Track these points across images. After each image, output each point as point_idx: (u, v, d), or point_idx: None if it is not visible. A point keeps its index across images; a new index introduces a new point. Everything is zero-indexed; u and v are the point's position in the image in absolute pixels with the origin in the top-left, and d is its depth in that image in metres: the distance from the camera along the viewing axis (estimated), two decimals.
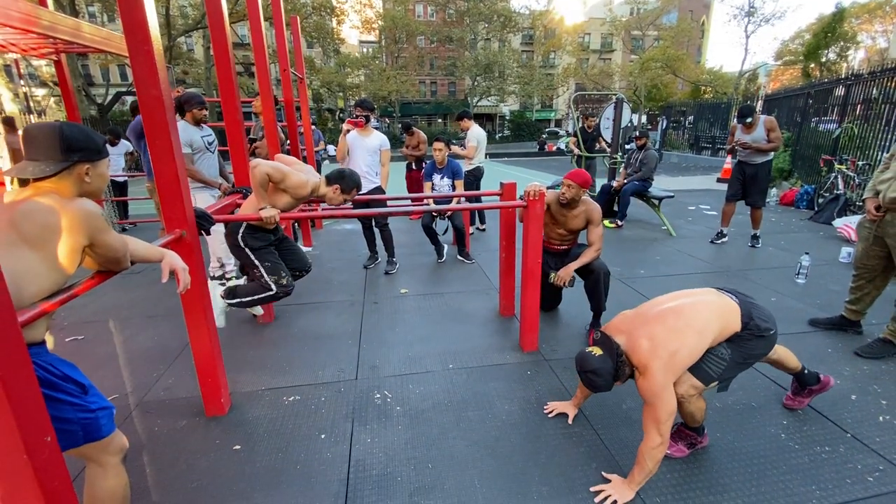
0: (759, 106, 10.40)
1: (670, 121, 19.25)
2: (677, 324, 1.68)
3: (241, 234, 2.48)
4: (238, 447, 2.01)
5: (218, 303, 2.65)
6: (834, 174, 6.47)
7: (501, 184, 2.99)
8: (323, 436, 2.08)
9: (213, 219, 2.13)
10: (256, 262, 2.52)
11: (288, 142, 5.19)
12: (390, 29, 31.36)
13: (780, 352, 2.03)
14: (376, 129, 4.24)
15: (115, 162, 6.36)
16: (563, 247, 3.01)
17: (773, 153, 4.71)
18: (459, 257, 4.62)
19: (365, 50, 37.82)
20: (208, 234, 2.16)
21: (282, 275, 2.58)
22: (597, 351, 1.70)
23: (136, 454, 1.96)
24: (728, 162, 9.85)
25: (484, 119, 39.45)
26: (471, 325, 3.16)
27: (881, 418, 2.13)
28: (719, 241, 5.09)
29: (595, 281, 2.78)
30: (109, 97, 19.90)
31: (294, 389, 2.44)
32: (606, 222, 5.95)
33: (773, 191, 7.64)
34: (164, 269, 1.50)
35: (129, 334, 3.11)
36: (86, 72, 29.33)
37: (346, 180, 2.56)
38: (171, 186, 1.88)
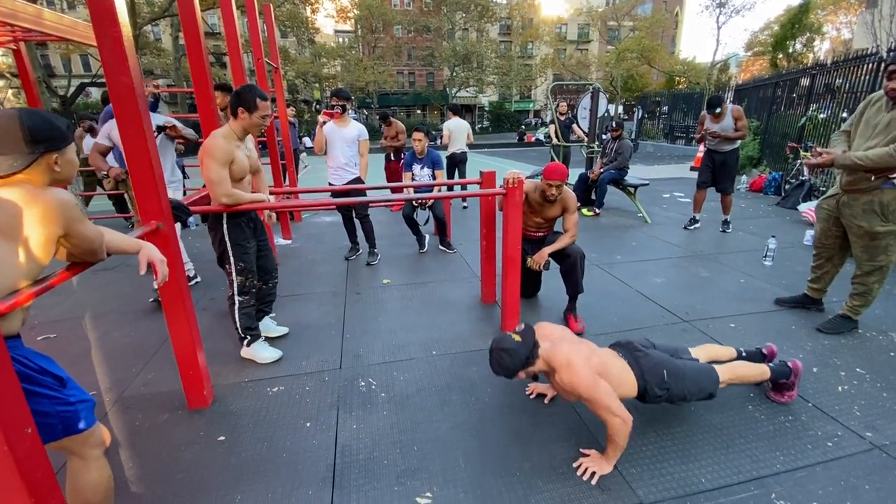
0: (729, 96, 10.67)
1: (646, 111, 19.60)
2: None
3: (225, 223, 2.42)
4: (223, 438, 2.00)
5: (249, 352, 2.61)
6: (799, 161, 6.73)
7: (481, 172, 3.02)
8: (308, 424, 2.09)
9: (189, 209, 2.10)
10: (231, 258, 2.44)
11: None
12: (366, 18, 30.84)
13: (731, 374, 2.02)
14: (354, 119, 4.21)
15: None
16: (540, 234, 3.07)
17: (739, 141, 4.88)
18: (441, 247, 4.65)
19: (341, 40, 37.13)
20: (185, 225, 2.13)
21: (249, 277, 2.51)
22: (516, 337, 1.80)
23: (119, 449, 1.94)
24: (700, 151, 10.13)
25: (463, 110, 39.31)
26: (453, 313, 3.20)
27: (840, 388, 2.27)
28: (692, 227, 5.25)
29: (571, 265, 2.85)
30: (73, 89, 19.08)
31: (278, 380, 2.44)
32: (584, 210, 6.07)
33: (743, 178, 7.90)
34: (142, 260, 1.48)
35: (104, 331, 3.05)
36: (45, 62, 27.97)
37: (242, 97, 2.28)
38: (145, 176, 1.84)
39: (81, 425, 1.29)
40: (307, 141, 21.94)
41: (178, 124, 3.40)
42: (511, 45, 37.13)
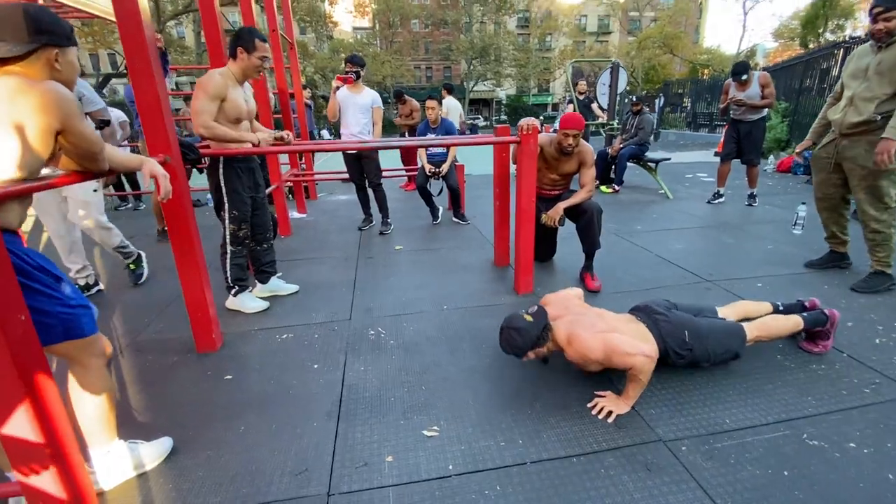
0: None
1: (668, 101, 19.08)
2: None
3: (220, 167, 2.38)
4: (230, 377, 1.99)
5: (235, 302, 2.59)
6: None
7: (495, 128, 2.95)
8: (316, 365, 2.06)
9: (198, 150, 2.09)
10: (226, 204, 2.42)
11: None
12: (384, 12, 30.93)
13: (761, 330, 1.90)
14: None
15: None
16: (556, 191, 2.97)
17: (766, 110, 4.66)
18: (455, 219, 4.58)
19: (359, 36, 37.30)
20: (194, 166, 2.12)
21: (242, 227, 2.49)
22: (528, 317, 1.74)
23: (126, 384, 1.95)
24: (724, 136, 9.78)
25: (480, 104, 39.15)
26: (465, 274, 3.13)
27: (877, 341, 2.12)
28: (716, 202, 5.05)
29: (588, 220, 2.74)
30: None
31: (287, 329, 2.42)
32: (603, 188, 5.91)
33: (770, 157, 7.59)
34: (145, 173, 1.46)
35: (117, 290, 3.08)
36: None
37: (241, 37, 2.28)
38: (153, 111, 1.83)
39: (83, 331, 1.27)
40: (325, 133, 22.13)
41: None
42: (529, 38, 36.74)
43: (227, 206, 2.43)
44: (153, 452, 1.50)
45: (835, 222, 2.90)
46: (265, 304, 2.63)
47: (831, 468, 1.41)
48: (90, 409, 1.33)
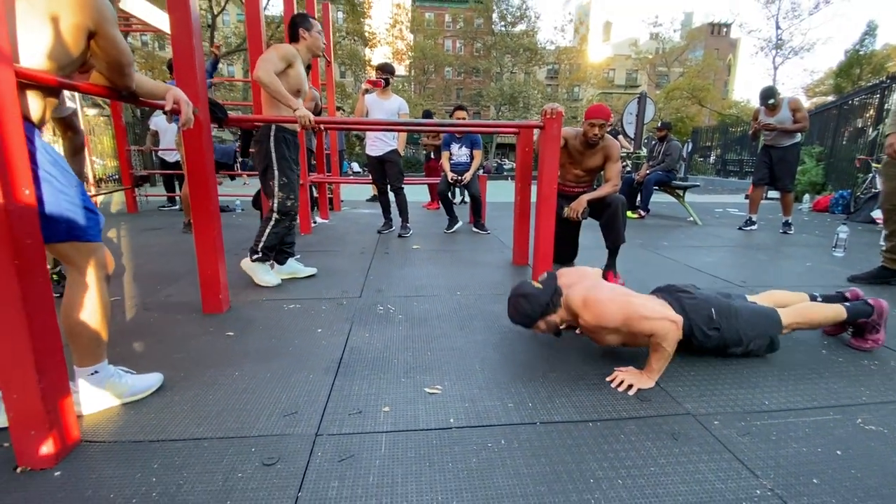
0: None
1: (697, 147, 19.04)
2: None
3: (272, 136, 2.44)
4: (231, 334, 1.92)
5: (253, 267, 2.58)
6: (871, 174, 6.19)
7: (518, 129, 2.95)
8: (320, 330, 1.98)
9: (225, 110, 2.14)
10: (276, 171, 2.46)
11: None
12: (419, 59, 32.66)
13: (798, 317, 1.72)
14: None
15: (172, 136, 5.66)
16: (579, 188, 2.90)
17: (800, 135, 4.54)
18: (475, 229, 4.53)
19: (394, 83, 39.34)
20: (220, 126, 2.17)
21: (290, 196, 2.53)
22: (537, 284, 1.66)
23: (127, 334, 1.91)
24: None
25: (507, 148, 40.02)
26: (482, 269, 3.04)
27: None
28: (748, 228, 4.85)
29: (612, 214, 2.64)
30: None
31: (295, 300, 2.36)
32: (629, 213, 5.79)
33: (806, 197, 7.35)
34: (168, 99, 1.48)
35: (139, 263, 3.12)
36: None
37: (298, 20, 2.47)
38: (187, 61, 1.90)
39: (86, 234, 1.25)
40: (355, 166, 22.86)
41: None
42: (557, 89, 37.90)
43: (276, 173, 2.47)
44: (141, 383, 1.43)
45: None
46: (277, 281, 2.60)
47: (894, 450, 1.21)
48: (82, 320, 1.28)
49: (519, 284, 1.70)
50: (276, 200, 2.50)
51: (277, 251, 2.73)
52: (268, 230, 2.51)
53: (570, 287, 1.68)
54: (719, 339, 1.65)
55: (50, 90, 1.21)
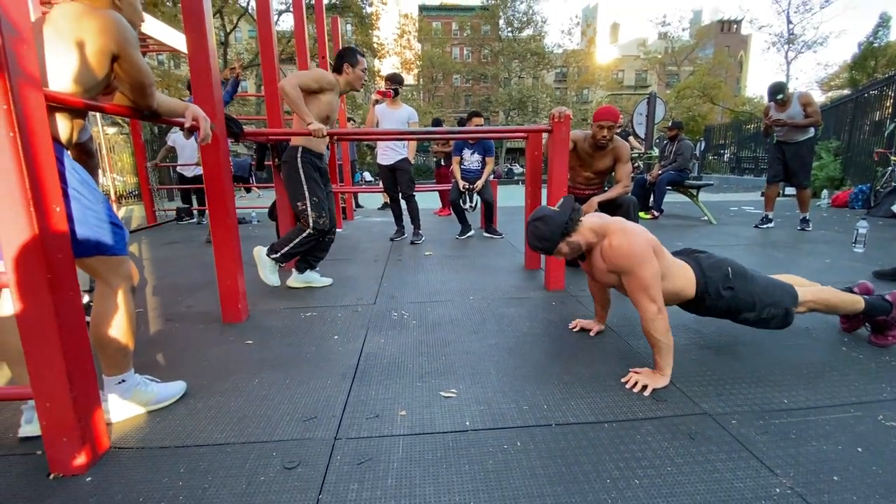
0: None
1: (710, 146, 18.78)
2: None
3: (299, 158, 2.51)
4: (250, 342, 1.97)
5: (265, 262, 2.61)
6: (891, 167, 6.04)
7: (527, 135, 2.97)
8: (336, 337, 2.01)
9: (241, 125, 2.21)
10: (306, 192, 2.52)
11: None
12: (427, 68, 32.95)
13: (815, 297, 1.71)
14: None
15: (191, 152, 5.76)
16: (589, 191, 2.91)
17: (813, 130, 4.46)
18: (487, 234, 4.54)
19: (403, 92, 39.73)
20: (236, 140, 2.24)
21: (322, 214, 2.55)
22: (555, 208, 1.64)
23: (151, 344, 1.97)
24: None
25: (517, 153, 40.02)
26: (494, 274, 3.05)
27: None
28: (764, 226, 4.78)
29: (624, 215, 2.63)
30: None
31: (311, 308, 2.40)
32: (642, 213, 5.75)
33: (824, 193, 7.20)
34: (188, 116, 1.54)
35: (160, 275, 3.21)
36: None
37: (346, 53, 2.57)
38: (204, 79, 1.97)
39: (112, 249, 1.30)
40: (367, 175, 23.07)
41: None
42: (566, 92, 37.83)
43: (306, 192, 2.52)
44: (166, 392, 1.47)
45: None
46: (277, 282, 2.64)
47: None
48: (110, 331, 1.33)
49: (536, 210, 1.68)
50: (310, 219, 2.55)
51: (302, 259, 2.78)
52: (297, 239, 2.56)
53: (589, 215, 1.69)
54: (732, 299, 1.63)
55: (77, 112, 1.27)
